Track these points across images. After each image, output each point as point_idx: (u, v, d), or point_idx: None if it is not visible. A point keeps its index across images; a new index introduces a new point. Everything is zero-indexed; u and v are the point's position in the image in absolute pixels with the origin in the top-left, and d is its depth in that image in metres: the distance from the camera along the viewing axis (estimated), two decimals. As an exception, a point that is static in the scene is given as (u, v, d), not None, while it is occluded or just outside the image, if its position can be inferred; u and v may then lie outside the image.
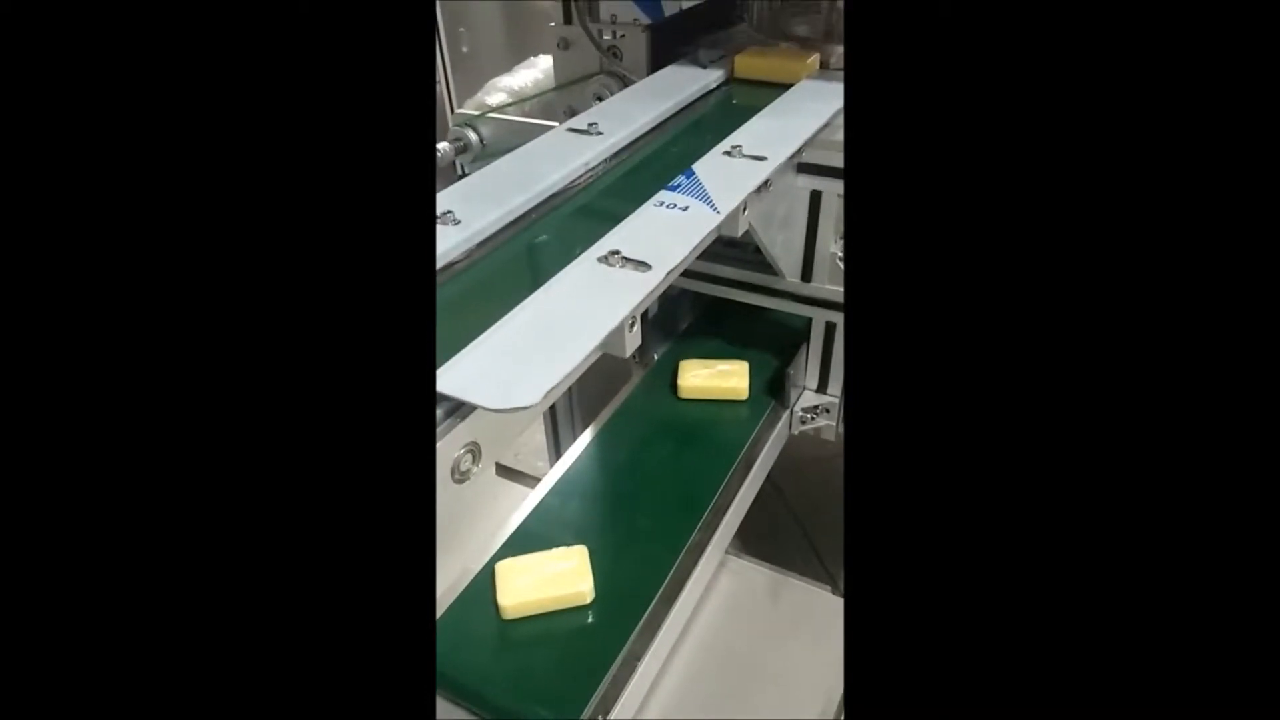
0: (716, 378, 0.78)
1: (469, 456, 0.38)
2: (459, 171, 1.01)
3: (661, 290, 0.44)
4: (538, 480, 0.76)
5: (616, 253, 0.44)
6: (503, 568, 0.60)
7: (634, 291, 0.42)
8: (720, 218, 0.48)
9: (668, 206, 0.50)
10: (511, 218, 0.52)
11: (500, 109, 0.96)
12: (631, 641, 0.57)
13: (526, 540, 0.63)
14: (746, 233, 0.67)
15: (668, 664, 0.61)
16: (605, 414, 0.78)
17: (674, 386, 0.78)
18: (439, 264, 0.47)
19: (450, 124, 1.68)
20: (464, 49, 1.78)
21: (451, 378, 0.36)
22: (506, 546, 0.63)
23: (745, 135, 0.59)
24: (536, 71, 1.06)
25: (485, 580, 0.60)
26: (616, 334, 0.41)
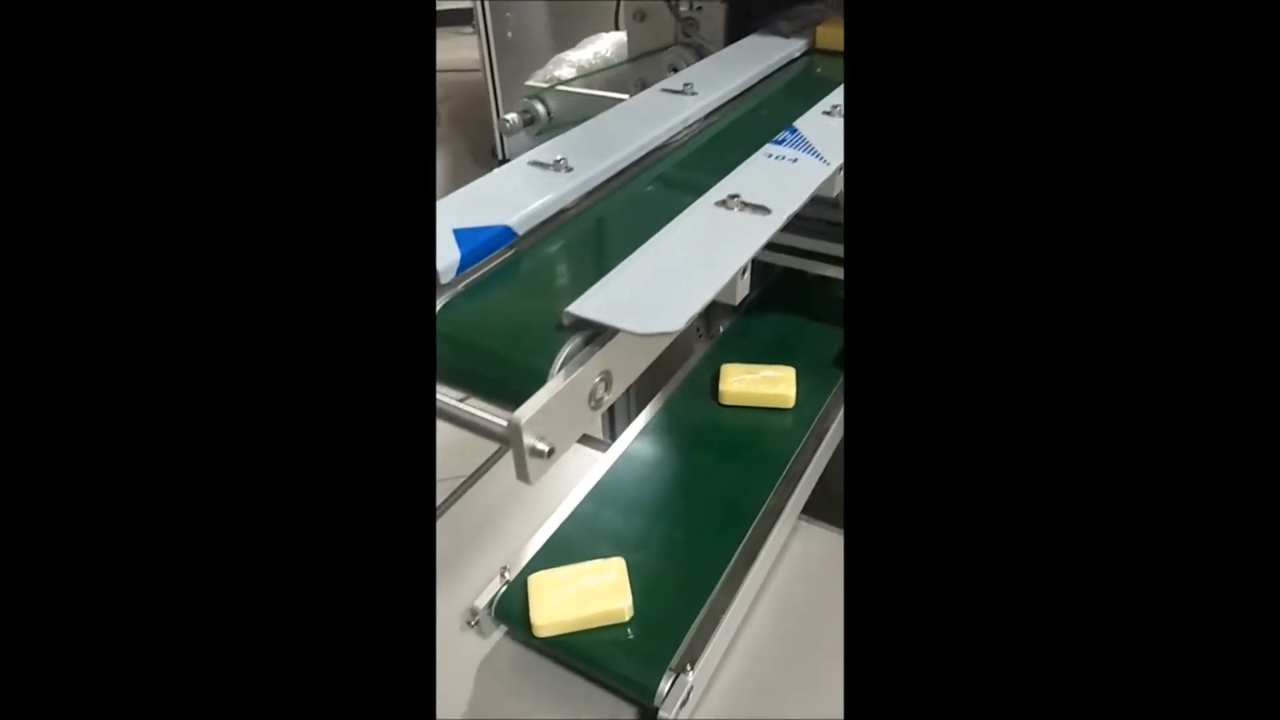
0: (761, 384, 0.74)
1: (603, 385, 0.39)
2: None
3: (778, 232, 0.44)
4: (605, 444, 0.77)
5: (735, 196, 0.45)
6: (536, 580, 0.58)
7: (757, 232, 0.42)
8: (831, 169, 0.49)
9: (776, 159, 0.50)
10: (619, 168, 0.52)
11: (570, 81, 0.97)
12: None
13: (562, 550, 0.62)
14: (822, 202, 0.67)
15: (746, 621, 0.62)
16: (662, 394, 0.79)
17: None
18: (555, 208, 0.48)
19: (498, 111, 1.69)
20: (509, 34, 1.80)
21: (592, 306, 0.37)
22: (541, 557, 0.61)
23: (842, 95, 0.60)
24: (601, 47, 1.07)
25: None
26: (728, 285, 0.42)
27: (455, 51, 2.96)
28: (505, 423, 0.34)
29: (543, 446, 0.35)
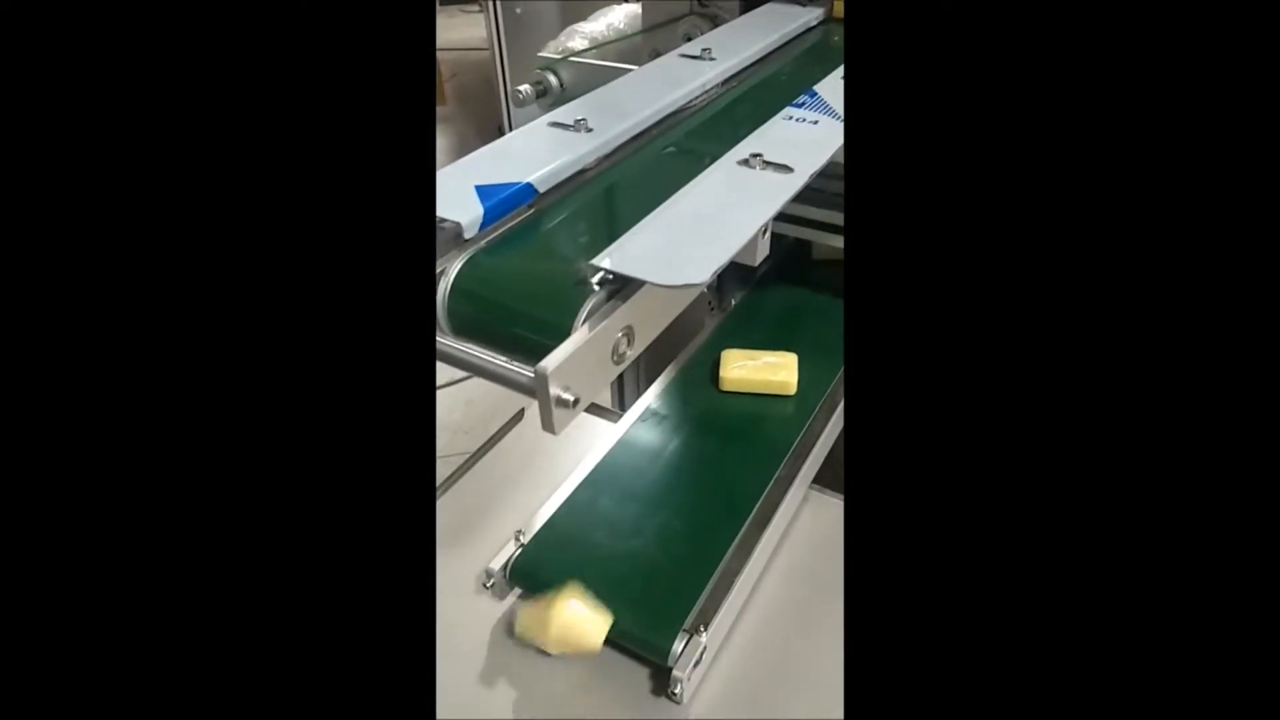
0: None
1: (625, 340, 0.39)
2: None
3: (801, 191, 0.44)
4: (617, 414, 0.78)
5: (757, 155, 0.45)
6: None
7: (780, 189, 0.42)
8: (852, 131, 0.49)
9: (796, 120, 0.50)
10: (639, 129, 0.52)
11: (583, 53, 0.97)
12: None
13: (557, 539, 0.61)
14: (835, 175, 0.67)
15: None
16: (673, 367, 0.79)
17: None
18: (575, 168, 0.48)
19: (507, 85, 1.68)
20: (518, 10, 1.79)
21: (618, 259, 0.37)
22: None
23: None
24: (614, 18, 1.07)
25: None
26: (750, 242, 0.42)
27: (462, 30, 2.95)
28: (532, 373, 0.34)
29: (568, 396, 0.35)
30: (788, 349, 0.73)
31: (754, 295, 0.86)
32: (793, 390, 0.71)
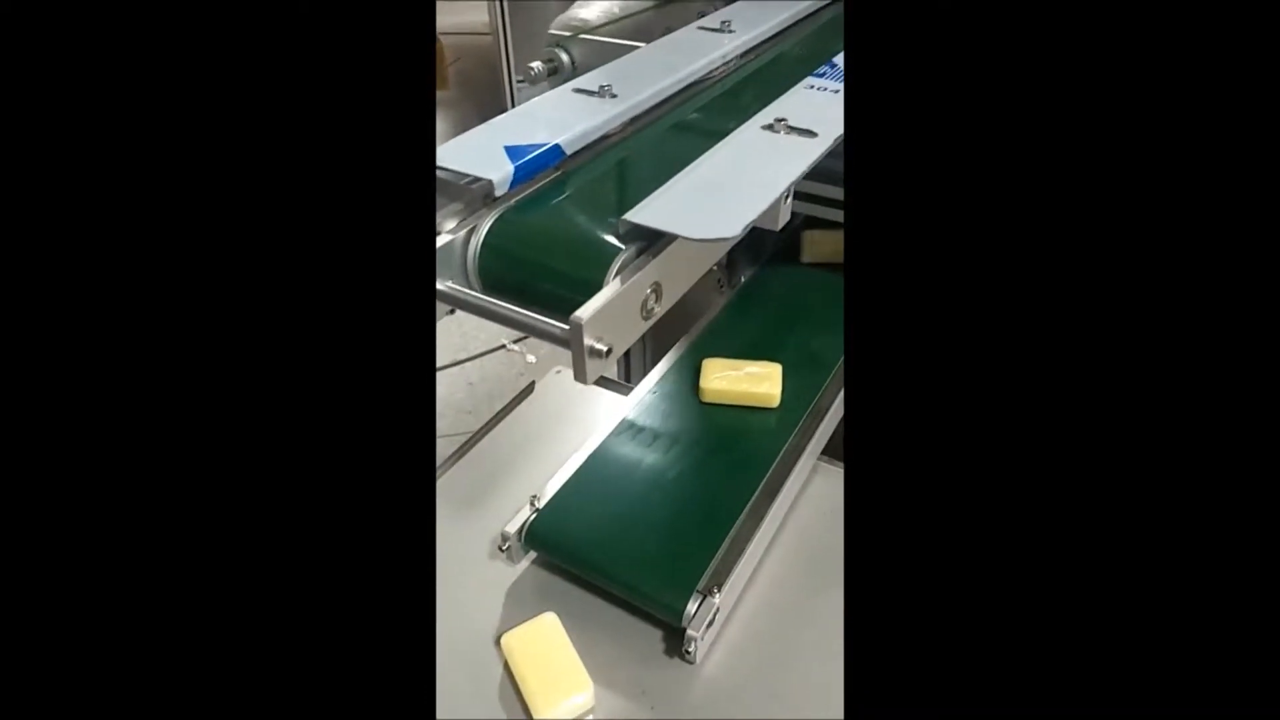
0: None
1: (653, 296, 0.40)
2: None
3: (826, 154, 0.45)
4: (628, 386, 0.79)
5: (782, 120, 0.46)
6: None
7: (805, 152, 0.43)
8: (874, 99, 0.50)
9: (818, 89, 0.51)
10: (662, 97, 0.53)
11: (594, 29, 0.97)
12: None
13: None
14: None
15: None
16: (682, 343, 0.80)
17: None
18: (601, 132, 0.49)
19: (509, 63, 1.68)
20: (522, -8, 1.78)
21: (651, 213, 0.38)
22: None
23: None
24: (624, -2, 1.07)
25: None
26: (772, 207, 0.43)
27: (464, 14, 2.93)
28: (567, 325, 0.35)
29: (601, 347, 0.36)
30: (772, 358, 0.72)
31: (738, 302, 0.84)
32: (775, 403, 0.70)
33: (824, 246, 0.87)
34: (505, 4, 1.81)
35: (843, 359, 0.74)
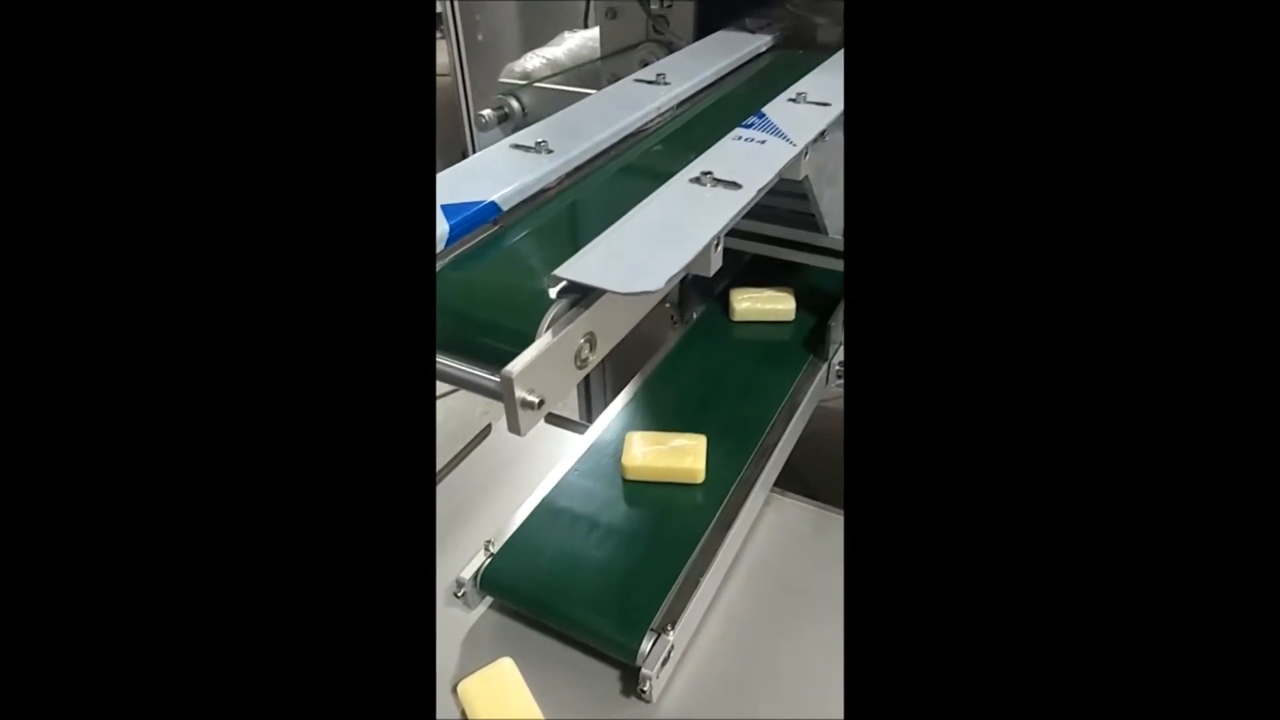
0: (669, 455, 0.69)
1: (587, 345, 0.41)
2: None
3: (750, 208, 0.47)
4: (584, 425, 0.80)
5: (708, 174, 0.48)
6: None
7: (730, 204, 0.45)
8: (798, 149, 0.52)
9: (745, 140, 0.53)
10: (597, 150, 0.55)
11: (543, 78, 1.00)
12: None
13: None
14: (789, 193, 0.70)
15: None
16: (638, 379, 0.82)
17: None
18: (537, 187, 0.50)
19: (472, 105, 1.70)
20: (480, 37, 1.81)
21: (579, 269, 0.40)
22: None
23: (807, 86, 0.63)
24: (571, 45, 1.10)
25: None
26: (703, 254, 0.45)
27: (424, 55, 2.96)
28: (498, 378, 0.37)
29: (533, 398, 0.37)
30: (697, 430, 0.70)
31: (663, 369, 0.84)
32: (700, 479, 0.67)
33: (750, 306, 0.89)
34: (464, 47, 1.83)
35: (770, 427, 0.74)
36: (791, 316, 0.87)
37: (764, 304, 0.88)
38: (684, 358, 0.84)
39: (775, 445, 0.72)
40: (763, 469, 0.70)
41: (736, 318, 0.88)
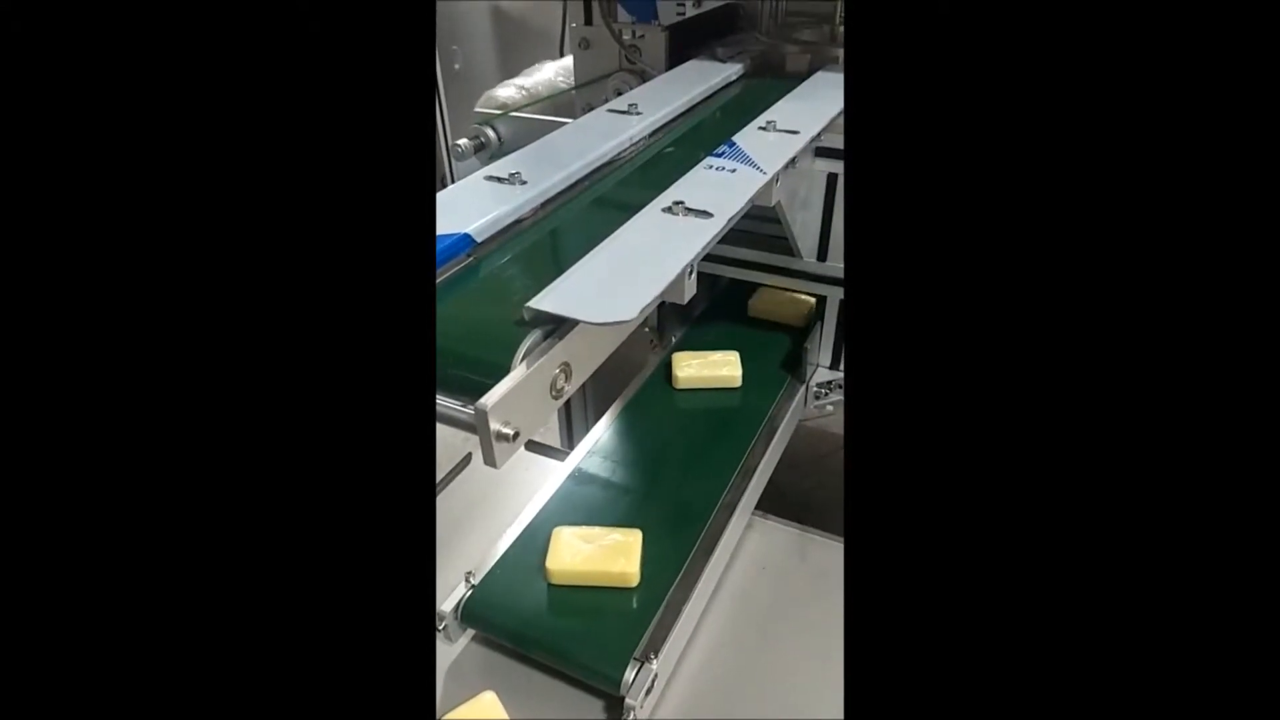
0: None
1: (562, 375, 0.41)
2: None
3: (721, 236, 0.48)
4: (564, 453, 0.80)
5: (680, 203, 0.49)
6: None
7: (701, 233, 0.46)
8: (767, 177, 0.53)
9: (716, 169, 0.54)
10: (570, 181, 0.56)
11: (519, 107, 1.01)
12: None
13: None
14: (764, 217, 0.71)
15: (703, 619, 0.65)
16: (619, 403, 0.82)
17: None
18: (511, 218, 0.51)
19: (448, 133, 1.71)
20: (456, 66, 1.83)
21: (553, 300, 0.40)
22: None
23: (776, 114, 0.65)
24: (547, 74, 1.11)
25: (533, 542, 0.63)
26: (677, 282, 0.45)
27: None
28: (473, 411, 0.37)
29: (508, 430, 0.37)
30: (633, 521, 0.66)
31: (694, 330, 0.88)
32: (634, 578, 0.61)
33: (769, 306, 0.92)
34: (441, 76, 1.85)
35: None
36: (738, 384, 0.82)
37: (708, 370, 0.83)
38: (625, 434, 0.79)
39: (755, 468, 0.72)
40: (743, 492, 0.70)
41: (679, 386, 0.82)
